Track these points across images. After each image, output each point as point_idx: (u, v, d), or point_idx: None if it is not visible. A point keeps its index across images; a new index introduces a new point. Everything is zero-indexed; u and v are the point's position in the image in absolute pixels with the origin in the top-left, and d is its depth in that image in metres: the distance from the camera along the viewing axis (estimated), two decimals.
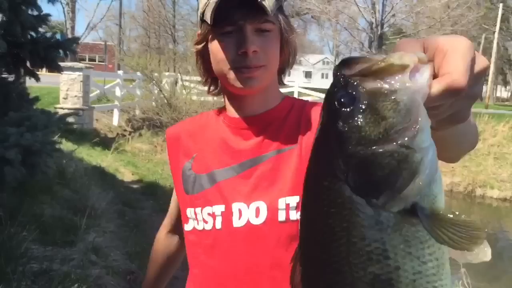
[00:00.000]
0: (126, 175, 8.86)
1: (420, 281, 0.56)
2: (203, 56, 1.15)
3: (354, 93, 0.54)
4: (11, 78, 4.19)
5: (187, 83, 14.58)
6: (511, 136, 17.25)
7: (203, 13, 1.07)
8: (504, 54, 42.59)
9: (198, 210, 1.12)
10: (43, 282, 3.07)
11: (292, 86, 21.37)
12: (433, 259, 0.56)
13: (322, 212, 0.58)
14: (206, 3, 1.05)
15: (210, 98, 13.68)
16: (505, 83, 50.34)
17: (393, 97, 0.52)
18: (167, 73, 15.68)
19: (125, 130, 14.09)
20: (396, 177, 0.53)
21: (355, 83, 0.53)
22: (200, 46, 1.13)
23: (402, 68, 0.52)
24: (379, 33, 21.09)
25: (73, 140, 9.23)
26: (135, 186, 8.16)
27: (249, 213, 1.06)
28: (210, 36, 1.09)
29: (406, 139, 0.52)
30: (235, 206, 1.08)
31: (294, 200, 1.04)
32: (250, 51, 1.03)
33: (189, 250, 1.19)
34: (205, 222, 1.10)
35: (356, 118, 0.54)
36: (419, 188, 0.53)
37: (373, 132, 0.53)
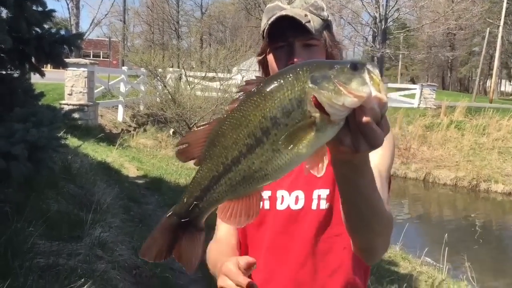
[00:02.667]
0: (131, 170, 8.89)
1: None
2: (264, 65, 1.43)
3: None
4: (16, 74, 4.21)
5: (191, 79, 14.58)
6: None
7: (263, 31, 1.36)
8: (509, 48, 42.34)
9: None
10: (49, 277, 3.09)
11: None
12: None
13: None
14: (266, 23, 1.34)
15: (214, 94, 13.68)
16: (509, 77, 50.07)
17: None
18: (171, 69, 15.68)
19: (129, 126, 14.13)
20: None
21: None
22: (260, 58, 1.43)
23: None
24: (382, 27, 21.00)
25: (78, 136, 9.27)
26: (140, 181, 8.19)
27: (290, 200, 1.33)
28: (268, 50, 1.37)
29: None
30: (279, 193, 1.34)
31: (325, 192, 1.30)
32: (297, 62, 1.25)
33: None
34: None
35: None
36: None
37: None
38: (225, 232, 1.46)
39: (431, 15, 24.91)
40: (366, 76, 0.77)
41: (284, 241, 1.32)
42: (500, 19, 28.16)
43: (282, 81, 0.80)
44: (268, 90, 0.80)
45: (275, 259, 1.32)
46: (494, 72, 30.42)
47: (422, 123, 18.48)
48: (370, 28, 24.13)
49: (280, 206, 1.33)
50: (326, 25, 1.35)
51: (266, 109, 0.79)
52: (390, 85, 24.95)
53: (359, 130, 0.78)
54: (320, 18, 1.33)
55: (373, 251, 1.14)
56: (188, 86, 14.17)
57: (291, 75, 0.80)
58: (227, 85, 13.74)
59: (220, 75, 14.22)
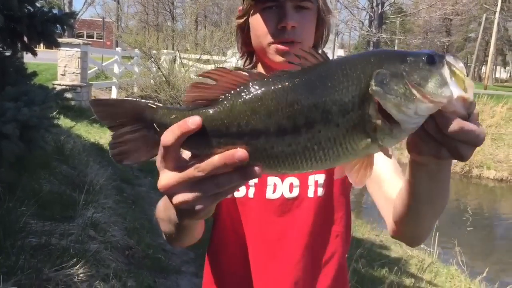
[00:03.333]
0: None
1: None
2: (243, 30, 1.21)
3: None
4: (8, 53, 4.15)
5: (185, 61, 14.49)
6: (509, 117, 17.28)
7: None
8: (504, 34, 42.30)
9: None
10: (41, 256, 3.10)
11: None
12: None
13: None
14: None
15: None
16: (505, 64, 50.15)
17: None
18: (165, 51, 15.56)
19: None
20: None
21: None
22: (241, 20, 1.20)
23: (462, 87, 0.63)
24: (379, 12, 20.89)
25: (71, 117, 9.21)
26: None
27: (283, 188, 1.17)
28: (252, 11, 1.16)
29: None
30: (271, 180, 1.18)
31: (322, 177, 1.18)
32: (289, 25, 1.10)
33: (222, 216, 1.22)
34: (237, 190, 1.13)
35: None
36: None
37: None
38: None
39: (428, 0, 24.82)
40: (446, 72, 0.63)
41: (276, 233, 1.18)
42: (497, 5, 28.09)
43: (348, 71, 0.64)
44: (329, 75, 0.64)
45: (266, 254, 1.18)
46: (489, 58, 30.43)
47: None
48: (367, 12, 24.00)
49: (272, 195, 1.18)
50: None
51: (320, 96, 0.63)
52: None
53: (441, 141, 0.65)
54: None
55: (422, 237, 1.01)
56: (183, 68, 14.08)
57: (359, 66, 0.64)
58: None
59: (215, 57, 14.14)
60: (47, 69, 12.97)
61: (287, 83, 0.65)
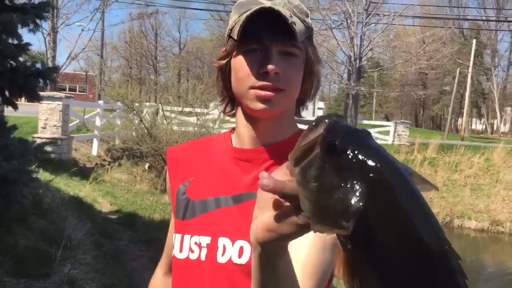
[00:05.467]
0: (104, 205, 8.73)
1: None
2: (224, 73, 1.12)
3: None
4: None
5: (168, 113, 14.57)
6: (486, 168, 17.58)
7: (231, 30, 1.08)
8: (478, 88, 43.79)
9: (186, 237, 1.09)
10: None
11: None
12: None
13: None
14: (236, 20, 1.06)
15: (191, 128, 13.68)
16: (480, 115, 51.54)
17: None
18: (148, 103, 15.67)
19: (104, 160, 13.95)
20: None
21: None
22: (223, 62, 1.11)
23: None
24: (357, 66, 21.53)
25: (51, 170, 9.09)
26: (113, 216, 8.03)
27: (232, 251, 1.04)
28: (234, 52, 1.07)
29: None
30: (221, 241, 1.06)
31: None
32: (272, 71, 1.01)
33: (174, 279, 1.14)
34: (192, 251, 1.08)
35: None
36: None
37: None
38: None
39: (404, 55, 25.72)
40: None
41: None
42: (470, 60, 29.21)
43: None
44: None
45: None
46: (465, 111, 31.31)
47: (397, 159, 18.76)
48: (345, 66, 24.71)
49: (220, 259, 1.05)
50: (309, 35, 1.09)
51: None
52: (365, 122, 25.42)
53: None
54: (304, 24, 1.06)
55: None
56: (165, 121, 14.15)
57: None
58: (204, 120, 13.76)
59: (197, 109, 14.27)
60: (27, 122, 12.91)
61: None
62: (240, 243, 1.04)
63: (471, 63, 28.97)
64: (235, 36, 1.05)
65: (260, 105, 1.03)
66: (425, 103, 52.06)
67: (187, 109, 14.43)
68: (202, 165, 1.15)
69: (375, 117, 44.15)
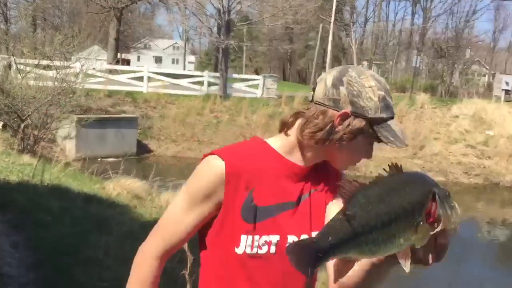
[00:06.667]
0: None
1: None
2: (342, 139, 1.25)
3: None
4: None
5: (22, 67, 13.24)
6: None
7: (378, 109, 1.23)
8: (339, 43, 46.54)
9: (256, 237, 1.27)
10: None
11: (141, 71, 20.74)
12: None
13: None
14: (382, 106, 1.23)
15: (50, 83, 12.62)
16: None
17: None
18: None
19: None
20: None
21: None
22: (352, 135, 1.23)
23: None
24: (226, 19, 21.44)
25: None
26: None
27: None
28: (368, 133, 1.24)
29: None
30: (290, 238, 1.29)
31: None
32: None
33: (227, 273, 1.30)
34: (260, 248, 1.27)
35: None
36: None
37: None
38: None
39: (271, 9, 26.14)
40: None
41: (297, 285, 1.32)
42: (331, 16, 30.73)
43: (414, 184, 0.97)
44: (408, 183, 0.97)
45: None
46: (327, 64, 33.13)
47: (265, 112, 19.47)
48: (215, 19, 24.44)
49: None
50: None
51: (404, 199, 0.93)
52: (235, 75, 25.69)
53: (438, 248, 0.98)
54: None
55: None
56: (19, 75, 12.85)
57: (421, 181, 0.99)
58: (65, 74, 12.77)
59: (57, 63, 13.15)
60: None
61: (385, 184, 0.97)
62: (304, 237, 1.27)
63: (332, 19, 30.51)
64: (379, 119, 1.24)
65: (343, 169, 1.38)
66: (291, 57, 54.15)
67: (45, 62, 13.25)
68: (260, 175, 1.31)
69: (245, 71, 44.86)
